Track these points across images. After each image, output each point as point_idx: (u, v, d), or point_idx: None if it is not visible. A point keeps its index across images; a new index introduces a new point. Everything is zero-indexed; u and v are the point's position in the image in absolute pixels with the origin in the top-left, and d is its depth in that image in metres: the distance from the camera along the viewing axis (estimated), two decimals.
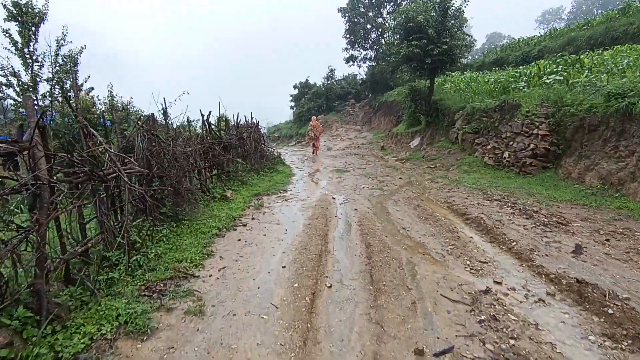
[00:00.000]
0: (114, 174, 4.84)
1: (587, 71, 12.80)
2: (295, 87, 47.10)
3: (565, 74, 12.94)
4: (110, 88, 15.71)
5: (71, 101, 17.00)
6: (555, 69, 14.21)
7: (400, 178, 12.29)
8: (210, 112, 9.73)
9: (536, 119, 11.63)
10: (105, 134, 6.86)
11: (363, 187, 10.84)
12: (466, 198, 9.17)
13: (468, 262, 5.25)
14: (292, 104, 47.47)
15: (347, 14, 37.10)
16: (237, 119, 11.99)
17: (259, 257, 5.63)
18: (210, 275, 4.94)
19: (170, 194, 6.86)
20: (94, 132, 5.00)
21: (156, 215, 6.02)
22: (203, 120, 9.50)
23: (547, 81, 12.79)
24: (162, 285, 4.52)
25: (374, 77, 37.69)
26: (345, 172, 13.75)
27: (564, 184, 9.90)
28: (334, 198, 9.42)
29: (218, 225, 6.89)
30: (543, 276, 4.72)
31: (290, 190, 10.64)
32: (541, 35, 30.68)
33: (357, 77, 43.91)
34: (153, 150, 6.57)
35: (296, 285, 4.60)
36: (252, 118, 14.30)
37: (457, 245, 5.93)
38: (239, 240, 6.40)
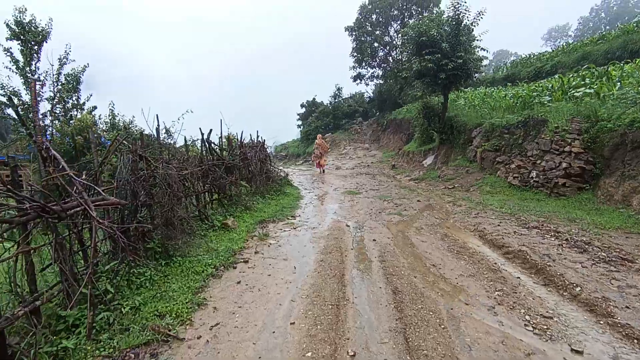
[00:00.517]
0: (79, 208, 3.77)
1: (618, 83, 11.70)
2: (302, 105, 46.49)
3: (594, 86, 11.82)
4: (112, 107, 14.91)
5: (71, 120, 16.23)
6: (581, 82, 13.10)
7: (418, 201, 11.13)
8: (210, 130, 8.73)
9: (567, 135, 10.49)
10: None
11: (379, 212, 9.69)
12: (498, 225, 7.97)
13: (527, 317, 4.06)
14: (300, 122, 46.76)
15: (354, 33, 36.57)
16: (241, 138, 10.97)
17: (261, 307, 4.48)
18: (199, 337, 3.80)
19: (160, 226, 5.78)
20: (57, 155, 3.96)
21: (137, 254, 4.91)
22: (203, 139, 8.48)
23: (577, 94, 11.66)
24: (131, 356, 3.38)
25: (381, 95, 36.93)
26: (358, 194, 12.62)
27: (607, 207, 8.68)
28: (347, 225, 8.28)
29: (215, 263, 5.77)
30: (636, 342, 3.52)
31: (299, 215, 9.53)
32: (553, 50, 29.74)
33: (365, 95, 43.22)
34: (140, 175, 5.53)
35: (309, 354, 3.45)
36: (257, 136, 13.34)
37: (506, 291, 4.74)
38: (239, 282, 5.26)
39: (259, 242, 7.15)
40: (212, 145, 9.06)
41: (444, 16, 16.17)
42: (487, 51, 16.00)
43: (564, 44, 29.86)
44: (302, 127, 45.46)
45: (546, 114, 11.87)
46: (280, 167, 20.20)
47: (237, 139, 10.94)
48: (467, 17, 15.66)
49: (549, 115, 11.62)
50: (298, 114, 47.15)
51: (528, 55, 30.63)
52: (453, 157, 16.68)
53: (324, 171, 20.84)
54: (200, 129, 8.60)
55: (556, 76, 14.16)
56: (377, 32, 36.15)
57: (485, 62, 16.37)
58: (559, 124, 10.88)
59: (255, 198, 10.39)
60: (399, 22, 35.56)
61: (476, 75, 16.53)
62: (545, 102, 12.80)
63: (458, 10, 15.57)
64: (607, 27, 50.90)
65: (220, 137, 9.66)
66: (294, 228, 8.13)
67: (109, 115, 14.48)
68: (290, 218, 9.04)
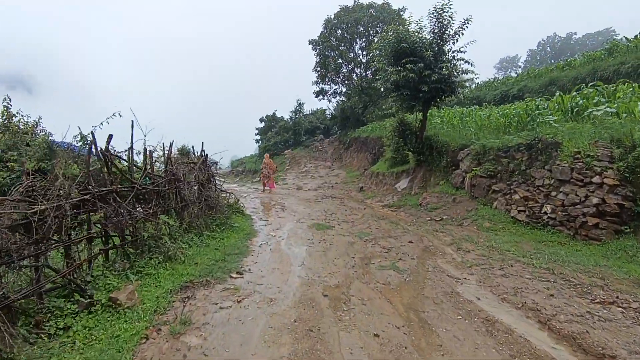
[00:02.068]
0: None
1: None
2: (261, 120, 43.10)
3: (614, 105, 9.52)
4: (7, 102, 10.89)
5: None
6: (586, 101, 10.85)
7: (410, 242, 8.14)
8: (110, 136, 5.23)
9: (595, 162, 7.99)
10: None
11: (366, 264, 6.55)
12: (550, 295, 5.09)
13: None
14: (258, 137, 43.26)
15: (318, 47, 33.96)
16: (168, 150, 7.41)
17: None
18: None
19: None
20: None
21: None
22: (89, 150, 4.98)
23: (597, 113, 9.28)
24: None
25: (344, 112, 34.39)
26: (329, 228, 9.40)
27: None
28: (326, 295, 5.02)
29: None
30: None
31: (249, 270, 6.07)
32: (517, 75, 28.68)
33: (327, 112, 40.56)
34: None
35: None
36: (202, 150, 9.87)
37: None
38: None
39: (166, 344, 3.72)
40: (118, 160, 5.60)
41: (424, 22, 13.64)
42: (472, 65, 13.59)
43: (529, 69, 28.86)
44: (260, 142, 41.98)
45: (555, 135, 9.42)
46: (233, 188, 16.75)
47: (164, 152, 7.39)
48: (451, 25, 13.24)
49: (562, 138, 9.15)
50: (257, 129, 43.68)
51: (493, 79, 29.38)
52: (433, 182, 14.00)
53: (270, 191, 18.80)
54: (92, 133, 5.12)
55: (557, 94, 11.94)
56: (342, 48, 33.77)
57: (469, 77, 13.98)
58: (581, 149, 8.39)
59: (187, 238, 6.93)
60: (364, 40, 33.38)
61: (460, 91, 14.13)
62: (551, 122, 10.38)
63: (442, 17, 13.11)
64: (552, 60, 52.08)
65: (131, 150, 6.10)
66: (238, 301, 4.72)
67: (3, 115, 10.43)
68: (234, 276, 5.61)
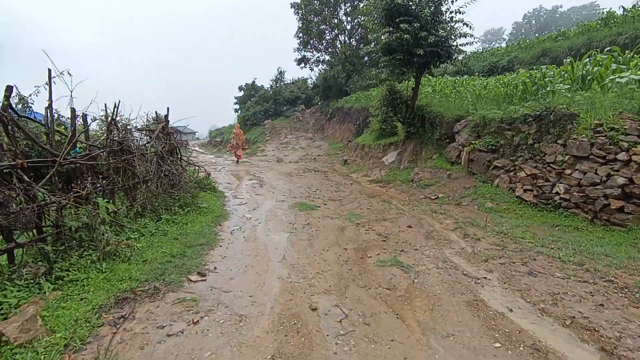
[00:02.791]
0: None
1: None
2: (240, 88, 40.74)
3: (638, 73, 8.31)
4: None
5: None
6: (612, 67, 9.60)
7: (409, 227, 6.88)
8: (10, 87, 3.59)
9: (621, 136, 6.83)
10: None
11: (361, 257, 5.25)
12: (599, 303, 3.95)
13: None
14: (237, 106, 41.00)
15: (300, 11, 31.54)
16: (112, 114, 5.76)
17: None
18: None
19: None
20: None
21: None
22: None
23: (620, 81, 8.06)
24: None
25: (326, 81, 32.53)
26: (313, 209, 8.02)
27: None
28: (314, 309, 3.69)
29: None
30: None
31: (215, 269, 4.63)
32: (508, 46, 27.35)
33: (308, 82, 38.50)
34: None
35: None
36: (166, 116, 8.21)
37: None
38: None
39: None
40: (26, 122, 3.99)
41: None
42: (472, 28, 12.10)
43: (520, 40, 27.50)
44: (239, 111, 39.80)
45: (570, 106, 8.22)
46: (208, 160, 15.12)
47: (106, 115, 5.69)
48: None
49: (579, 109, 7.96)
50: (236, 98, 41.37)
51: (482, 50, 28.01)
52: (425, 156, 12.75)
53: (237, 162, 18.24)
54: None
55: (568, 60, 10.62)
56: (326, 12, 31.44)
57: (468, 40, 12.47)
58: (603, 121, 7.21)
59: (140, 225, 5.45)
60: (348, 5, 31.14)
61: (457, 57, 12.69)
62: (563, 91, 9.14)
63: None
64: (537, 34, 50.95)
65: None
66: (195, 321, 3.31)
67: None
68: (193, 279, 4.17)
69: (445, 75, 20.32)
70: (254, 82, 40.08)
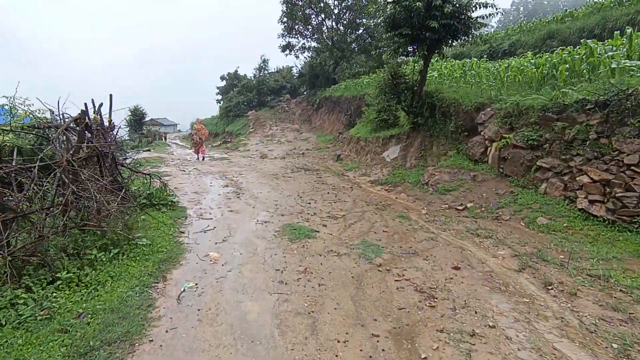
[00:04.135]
0: None
1: None
2: (222, 78, 37.58)
3: None
4: None
5: None
6: None
7: (455, 268, 4.45)
8: None
9: None
10: None
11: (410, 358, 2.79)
12: None
13: None
14: (219, 97, 37.86)
15: None
16: None
17: None
18: None
19: None
20: None
21: None
22: None
23: None
24: None
25: (313, 69, 29.80)
26: (310, 236, 5.44)
27: None
28: None
29: None
30: None
31: None
32: (508, 29, 25.08)
33: (293, 70, 35.60)
34: None
35: None
36: (98, 107, 5.53)
37: None
38: None
39: None
40: None
41: None
42: None
43: (521, 22, 25.15)
44: (221, 102, 36.71)
45: None
46: (183, 155, 12.43)
47: None
48: None
49: None
50: (218, 88, 38.19)
51: (479, 35, 25.54)
52: (437, 152, 10.34)
53: (203, 158, 16.35)
54: None
55: (620, 34, 8.34)
56: None
57: (490, 11, 10.00)
58: None
59: (6, 298, 2.89)
60: None
61: (475, 32, 10.28)
62: (634, 70, 6.79)
63: None
64: (525, 22, 49.32)
65: None
66: None
67: None
68: None
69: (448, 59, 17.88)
70: (236, 71, 36.98)
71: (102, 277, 3.64)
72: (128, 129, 33.80)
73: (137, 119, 32.76)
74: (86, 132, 4.59)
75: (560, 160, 6.86)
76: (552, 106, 7.34)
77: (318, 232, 5.61)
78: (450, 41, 10.36)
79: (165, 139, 35.37)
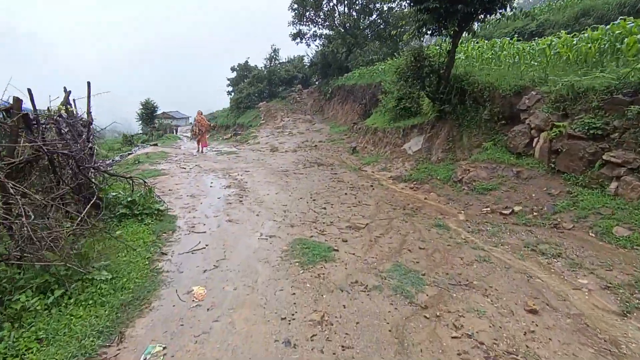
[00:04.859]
0: None
1: None
2: (233, 69, 36.25)
3: None
4: None
5: None
6: None
7: (531, 311, 3.11)
8: None
9: None
10: None
11: None
12: None
13: None
14: (230, 88, 36.62)
15: None
16: None
17: None
18: None
19: None
20: None
21: None
22: None
23: None
24: None
25: (325, 58, 28.20)
26: (326, 258, 4.09)
27: None
28: None
29: None
30: None
31: None
32: (532, 9, 23.08)
33: (305, 60, 34.03)
34: None
35: None
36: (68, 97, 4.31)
37: None
38: None
39: None
40: None
41: None
42: None
43: (548, 2, 23.07)
44: (232, 93, 35.46)
45: None
46: (188, 149, 11.27)
47: None
48: None
49: None
50: (228, 79, 36.90)
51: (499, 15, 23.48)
52: (468, 143, 8.91)
53: (203, 151, 15.43)
54: None
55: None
56: None
57: None
58: None
59: None
60: None
61: (512, 6, 8.75)
62: None
63: None
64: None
65: None
66: None
67: None
68: None
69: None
70: (246, 62, 35.56)
71: (24, 341, 2.46)
72: (140, 122, 33.00)
73: (148, 112, 31.87)
74: (31, 128, 3.39)
75: (637, 154, 5.40)
76: (622, 87, 5.85)
77: (337, 250, 4.33)
78: (484, 16, 8.85)
79: (177, 132, 34.47)
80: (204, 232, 4.98)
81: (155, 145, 20.23)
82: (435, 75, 9.89)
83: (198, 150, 15.51)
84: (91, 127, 5.28)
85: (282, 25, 29.85)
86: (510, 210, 6.04)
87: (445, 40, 10.40)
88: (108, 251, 3.82)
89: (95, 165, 4.55)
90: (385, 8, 26.61)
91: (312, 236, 4.78)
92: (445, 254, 4.35)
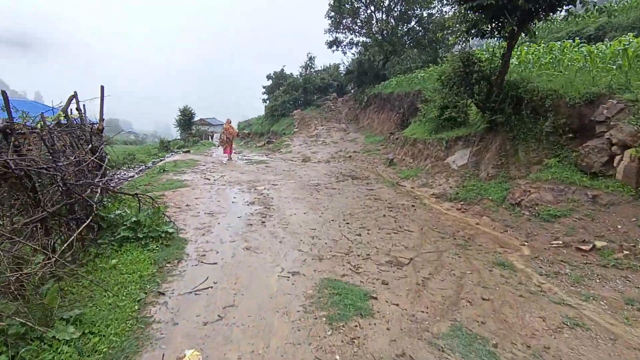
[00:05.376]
0: None
1: None
2: (268, 77, 36.22)
3: None
4: None
5: None
6: None
7: None
8: None
9: None
10: None
11: None
12: None
13: None
14: (265, 96, 36.55)
15: None
16: None
17: None
18: None
19: None
20: None
21: None
22: None
23: None
24: None
25: (361, 66, 27.32)
26: (362, 314, 3.07)
27: None
28: None
29: None
30: None
31: None
32: (588, 11, 21.03)
33: (340, 68, 33.33)
34: None
35: None
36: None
37: None
38: None
39: None
40: None
41: None
42: None
43: (608, 4, 21.00)
44: (267, 101, 35.33)
45: None
46: (218, 157, 10.73)
47: None
48: None
49: None
50: (264, 87, 36.90)
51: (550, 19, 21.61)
52: (525, 159, 7.65)
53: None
54: None
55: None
56: None
57: None
58: None
59: None
60: None
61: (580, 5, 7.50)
62: None
63: None
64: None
65: None
66: None
67: None
68: None
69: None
70: (282, 70, 35.42)
71: None
72: (178, 128, 33.51)
73: (186, 118, 32.32)
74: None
75: None
76: None
77: (375, 298, 3.37)
78: (545, 14, 7.63)
79: (212, 138, 34.75)
80: (215, 263, 4.13)
81: (188, 152, 20.09)
82: (486, 82, 8.72)
83: (228, 158, 15.52)
84: (101, 135, 4.66)
85: (318, 33, 29.25)
86: (591, 246, 4.82)
87: (497, 43, 9.24)
88: (91, 291, 3.08)
89: (95, 181, 3.88)
90: (425, 14, 25.43)
91: (344, 275, 3.85)
92: (519, 311, 3.27)
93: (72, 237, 3.07)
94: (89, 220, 3.46)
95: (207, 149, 23.59)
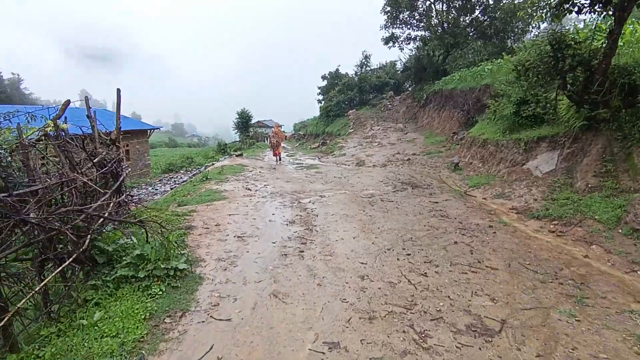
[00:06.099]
0: None
1: None
2: (323, 77, 35.43)
3: None
4: None
5: None
6: None
7: None
8: None
9: None
10: None
11: None
12: None
13: None
14: (320, 97, 35.79)
15: None
16: None
17: None
18: None
19: None
20: None
21: None
22: None
23: None
24: None
25: (419, 62, 25.37)
26: None
27: None
28: None
29: None
30: None
31: None
32: None
33: (397, 65, 31.43)
34: None
35: None
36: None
37: None
38: None
39: None
40: None
41: None
42: None
43: None
44: (322, 102, 34.54)
45: None
46: (270, 162, 9.98)
47: None
48: None
49: None
50: (319, 88, 36.19)
51: None
52: (635, 162, 5.75)
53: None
54: None
55: None
56: None
57: None
58: None
59: None
60: None
61: None
62: None
63: None
64: None
65: None
66: None
67: None
68: None
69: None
70: (337, 69, 34.37)
71: None
72: (236, 131, 33.96)
73: (243, 121, 32.64)
74: None
75: None
76: None
77: None
78: None
79: (268, 140, 34.86)
80: (229, 319, 3.09)
81: (240, 155, 19.84)
82: (584, 68, 6.83)
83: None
84: (117, 146, 3.92)
85: (374, 30, 27.62)
86: None
87: (595, 21, 7.27)
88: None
89: (97, 203, 3.10)
90: (491, 1, 22.77)
91: (406, 352, 2.63)
92: None
93: (36, 290, 2.25)
94: (71, 259, 2.67)
95: (261, 152, 23.30)
